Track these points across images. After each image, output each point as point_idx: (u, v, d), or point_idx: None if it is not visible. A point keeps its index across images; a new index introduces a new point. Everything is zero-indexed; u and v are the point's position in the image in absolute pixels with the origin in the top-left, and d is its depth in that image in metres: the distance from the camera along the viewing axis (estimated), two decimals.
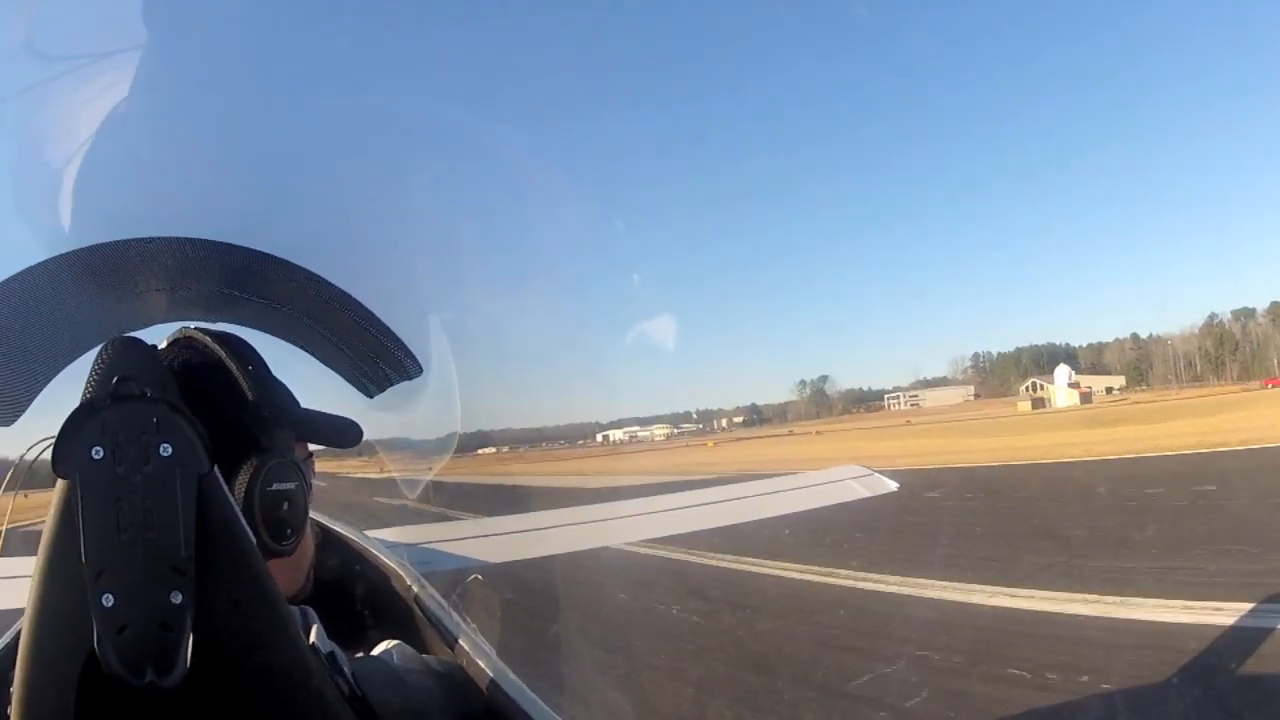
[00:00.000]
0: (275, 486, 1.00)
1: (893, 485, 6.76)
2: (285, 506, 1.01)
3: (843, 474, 6.76)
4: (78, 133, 1.21)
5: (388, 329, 1.48)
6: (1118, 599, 7.31)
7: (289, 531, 1.02)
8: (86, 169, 1.30)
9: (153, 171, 1.36)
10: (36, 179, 1.22)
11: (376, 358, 1.53)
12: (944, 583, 8.47)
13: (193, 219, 1.32)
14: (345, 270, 1.50)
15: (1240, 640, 5.93)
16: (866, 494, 6.44)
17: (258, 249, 1.36)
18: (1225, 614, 6.49)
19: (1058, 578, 8.30)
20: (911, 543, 10.84)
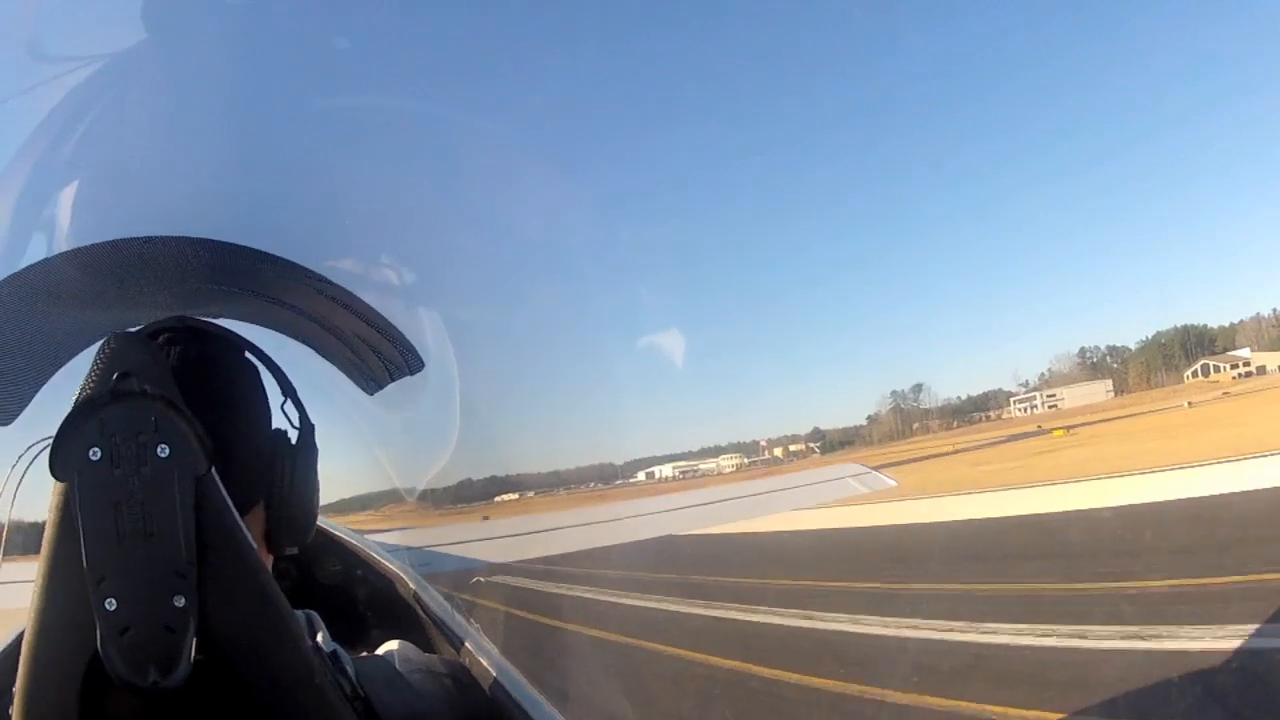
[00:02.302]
0: (299, 482, 1.00)
1: (891, 483, 6.81)
2: (306, 503, 1.01)
3: (841, 472, 6.80)
4: (77, 133, 1.20)
5: (389, 324, 1.48)
6: None
7: (306, 527, 1.02)
8: (86, 169, 1.29)
9: (152, 171, 1.36)
10: (35, 179, 1.21)
11: (377, 354, 1.52)
12: None
13: (192, 219, 1.32)
14: (347, 271, 1.50)
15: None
16: (865, 491, 6.48)
17: (257, 248, 1.36)
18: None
19: None
20: None
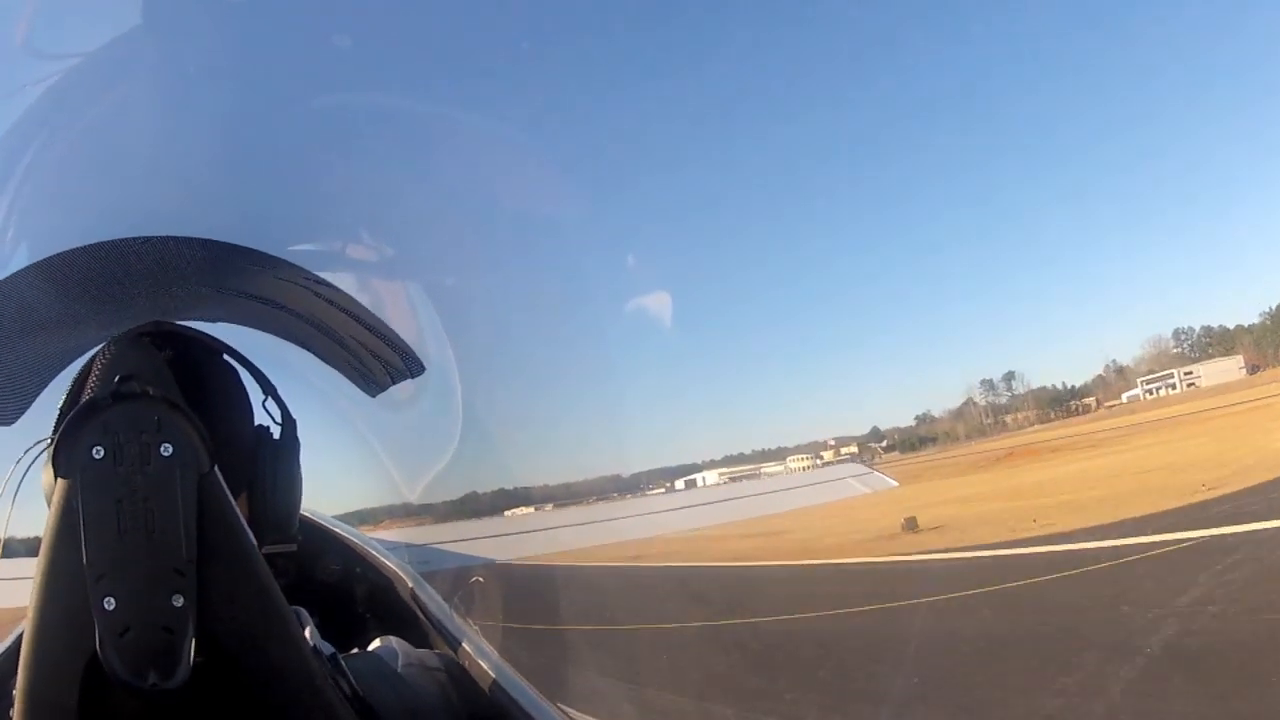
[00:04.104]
0: (290, 478, 1.01)
1: (893, 482, 6.80)
2: (287, 496, 1.02)
3: (843, 472, 6.81)
4: (75, 131, 1.20)
5: (388, 329, 1.48)
6: None
7: (289, 519, 1.03)
8: (84, 168, 1.29)
9: (151, 171, 1.36)
10: (33, 178, 1.22)
11: (377, 358, 1.53)
12: None
13: (192, 218, 1.32)
14: (346, 275, 1.50)
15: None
16: (866, 490, 6.48)
17: (256, 248, 1.36)
18: None
19: None
20: None
